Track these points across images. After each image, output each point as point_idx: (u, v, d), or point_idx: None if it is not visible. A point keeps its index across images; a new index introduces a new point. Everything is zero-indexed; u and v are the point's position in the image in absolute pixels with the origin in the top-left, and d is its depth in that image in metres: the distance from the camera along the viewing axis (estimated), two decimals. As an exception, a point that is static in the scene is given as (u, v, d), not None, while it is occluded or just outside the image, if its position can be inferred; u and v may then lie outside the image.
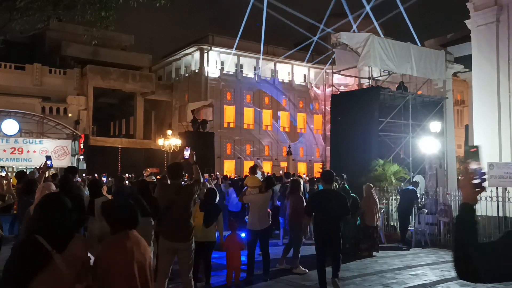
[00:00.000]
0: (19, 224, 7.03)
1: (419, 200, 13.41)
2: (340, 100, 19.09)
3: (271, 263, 8.55)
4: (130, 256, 3.08)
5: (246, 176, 12.88)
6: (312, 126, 48.16)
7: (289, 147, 39.47)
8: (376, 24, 30.45)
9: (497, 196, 11.59)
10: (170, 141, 29.37)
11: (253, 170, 9.79)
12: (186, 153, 6.26)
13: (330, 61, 21.98)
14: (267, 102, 45.49)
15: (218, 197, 8.31)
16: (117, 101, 41.04)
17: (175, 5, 11.14)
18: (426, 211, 12.71)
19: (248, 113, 44.89)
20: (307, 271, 8.72)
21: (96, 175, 20.42)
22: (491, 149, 14.51)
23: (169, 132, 31.15)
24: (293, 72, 47.68)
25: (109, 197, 9.77)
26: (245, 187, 8.88)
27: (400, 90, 18.23)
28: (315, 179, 15.34)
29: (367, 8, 30.63)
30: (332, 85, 20.91)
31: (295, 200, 9.20)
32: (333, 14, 50.46)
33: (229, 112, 44.04)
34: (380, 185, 14.08)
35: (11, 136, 27.56)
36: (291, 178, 9.23)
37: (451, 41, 21.07)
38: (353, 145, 16.71)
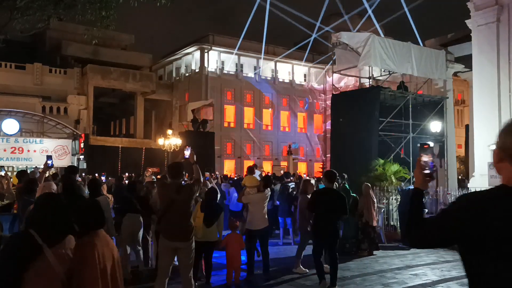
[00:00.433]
0: (19, 224, 7.04)
1: (420, 200, 13.38)
2: (341, 100, 19.09)
3: (271, 262, 8.56)
4: (101, 255, 3.16)
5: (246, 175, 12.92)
6: (312, 125, 48.15)
7: (290, 146, 39.46)
8: (377, 24, 30.43)
9: (498, 196, 11.57)
10: (171, 141, 29.36)
11: (251, 170, 9.80)
12: (187, 153, 6.26)
13: (331, 62, 21.96)
14: (268, 102, 45.48)
15: (219, 196, 8.32)
16: (117, 100, 41.06)
17: (175, 4, 11.16)
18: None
19: (249, 113, 44.89)
20: (307, 271, 8.71)
21: (96, 174, 20.45)
22: (491, 149, 14.50)
23: (169, 131, 31.15)
24: (294, 71, 47.67)
25: (109, 196, 9.78)
26: (244, 187, 8.90)
27: (401, 90, 18.23)
28: (315, 179, 15.35)
29: (369, 11, 30.60)
30: (333, 85, 20.90)
31: (303, 201, 9.20)
32: (334, 14, 50.50)
33: (230, 112, 44.03)
34: (381, 184, 14.08)
35: (11, 135, 27.57)
36: (304, 179, 9.18)
37: (451, 40, 21.04)
38: (353, 144, 16.71)
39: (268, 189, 8.62)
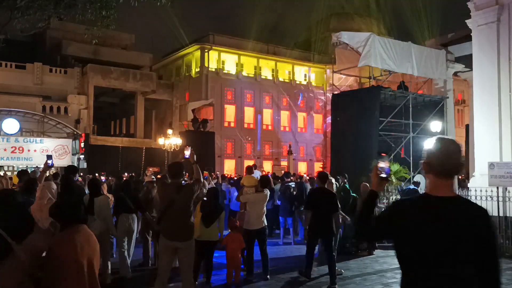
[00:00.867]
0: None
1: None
2: (341, 100, 19.10)
3: (270, 262, 8.55)
4: (79, 250, 3.22)
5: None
6: (312, 125, 48.15)
7: (290, 146, 39.45)
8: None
9: (498, 196, 11.58)
10: (171, 140, 29.36)
11: (249, 169, 9.79)
12: (187, 153, 6.26)
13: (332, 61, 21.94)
14: (268, 102, 45.47)
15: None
16: (117, 100, 41.04)
17: (175, 4, 11.15)
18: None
19: (249, 113, 44.88)
20: (342, 271, 8.74)
21: (97, 174, 20.44)
22: (492, 148, 14.49)
23: (169, 131, 31.13)
24: (294, 71, 47.66)
25: (110, 196, 9.79)
26: (242, 187, 8.89)
27: (401, 90, 18.23)
28: (315, 179, 15.34)
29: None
30: (333, 85, 20.90)
31: None
32: (334, 13, 50.46)
33: (230, 111, 44.02)
34: (381, 184, 14.05)
35: (11, 135, 27.57)
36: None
37: (451, 40, 21.01)
38: (353, 144, 16.72)
39: (267, 189, 8.61)
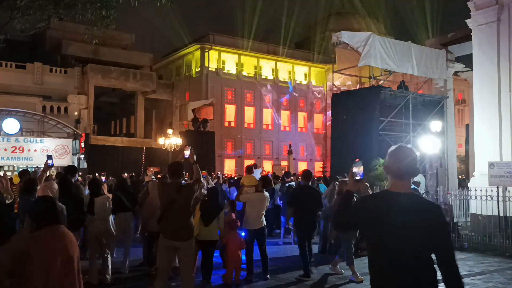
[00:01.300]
0: (20, 223, 7.05)
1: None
2: (341, 99, 19.08)
3: (270, 262, 8.55)
4: (52, 250, 3.24)
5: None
6: (313, 125, 48.15)
7: (290, 146, 39.45)
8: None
9: (498, 196, 11.58)
10: (171, 140, 29.36)
11: (249, 169, 9.79)
12: (187, 152, 6.26)
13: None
14: (268, 101, 45.47)
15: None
16: (117, 100, 41.05)
17: (176, 4, 11.14)
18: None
19: (249, 112, 44.89)
20: (343, 271, 8.71)
21: (97, 174, 20.44)
22: (492, 148, 14.47)
23: (169, 131, 31.13)
24: (294, 71, 47.67)
25: (110, 196, 9.80)
26: (242, 186, 8.89)
27: (401, 89, 18.22)
28: (315, 179, 15.37)
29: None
30: (333, 84, 20.89)
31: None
32: (334, 13, 50.46)
33: (230, 111, 44.02)
34: (381, 184, 14.07)
35: (12, 135, 27.58)
36: (341, 179, 8.99)
37: (452, 40, 20.97)
38: (353, 144, 16.71)
39: (267, 189, 8.65)
